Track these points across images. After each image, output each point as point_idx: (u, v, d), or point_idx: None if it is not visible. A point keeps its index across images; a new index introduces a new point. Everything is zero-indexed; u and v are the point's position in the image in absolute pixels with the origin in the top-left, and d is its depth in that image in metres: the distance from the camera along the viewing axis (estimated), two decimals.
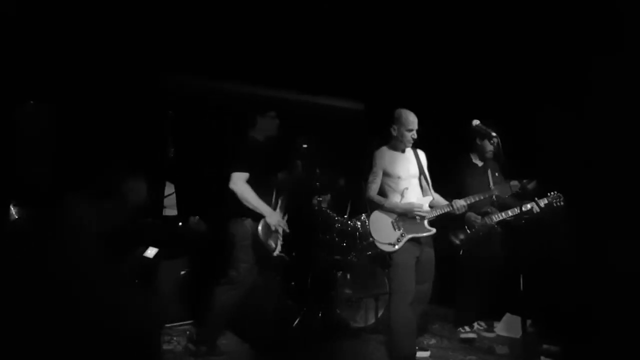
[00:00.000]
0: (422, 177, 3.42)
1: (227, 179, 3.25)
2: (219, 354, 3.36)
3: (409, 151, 3.40)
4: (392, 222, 3.26)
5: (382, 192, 3.33)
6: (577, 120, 3.76)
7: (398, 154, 3.36)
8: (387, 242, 3.23)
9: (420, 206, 3.28)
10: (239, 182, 3.24)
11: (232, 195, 3.25)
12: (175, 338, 3.67)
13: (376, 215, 3.31)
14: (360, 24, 4.34)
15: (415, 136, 3.31)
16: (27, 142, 3.15)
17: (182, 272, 4.08)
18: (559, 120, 3.88)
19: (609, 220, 3.46)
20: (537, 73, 4.15)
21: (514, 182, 3.65)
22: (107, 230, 2.49)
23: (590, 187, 3.57)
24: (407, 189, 3.31)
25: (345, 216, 4.49)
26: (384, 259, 4.16)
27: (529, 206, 3.58)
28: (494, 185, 3.91)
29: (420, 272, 3.25)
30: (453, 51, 4.54)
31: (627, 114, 3.39)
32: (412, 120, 3.28)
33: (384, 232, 3.26)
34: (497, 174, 4.04)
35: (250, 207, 3.25)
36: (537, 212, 3.58)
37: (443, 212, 3.32)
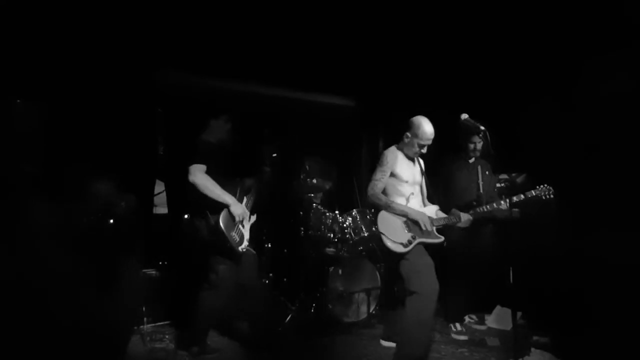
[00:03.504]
0: (421, 184, 3.44)
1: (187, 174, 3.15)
2: (212, 352, 3.35)
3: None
4: (403, 223, 3.22)
5: (386, 194, 3.29)
6: (566, 113, 3.79)
7: (407, 158, 3.36)
8: (399, 241, 3.16)
9: (428, 218, 3.24)
10: (198, 174, 3.15)
11: (193, 189, 3.15)
12: (167, 336, 3.67)
13: (384, 214, 3.25)
14: (350, 20, 4.32)
15: (425, 151, 3.27)
16: (16, 139, 3.11)
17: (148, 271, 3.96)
18: (547, 114, 3.90)
19: (598, 213, 3.49)
20: (525, 68, 4.17)
21: (503, 176, 3.66)
22: (72, 230, 2.44)
23: (579, 180, 3.60)
24: (412, 194, 3.31)
25: (336, 211, 4.50)
26: (376, 254, 4.21)
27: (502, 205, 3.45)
28: (483, 182, 3.92)
29: None
30: (443, 47, 4.54)
31: (615, 107, 3.41)
32: (429, 135, 3.21)
33: (395, 231, 3.19)
34: (487, 172, 4.03)
35: (213, 196, 3.15)
36: (526, 199, 3.43)
37: (446, 223, 3.31)
